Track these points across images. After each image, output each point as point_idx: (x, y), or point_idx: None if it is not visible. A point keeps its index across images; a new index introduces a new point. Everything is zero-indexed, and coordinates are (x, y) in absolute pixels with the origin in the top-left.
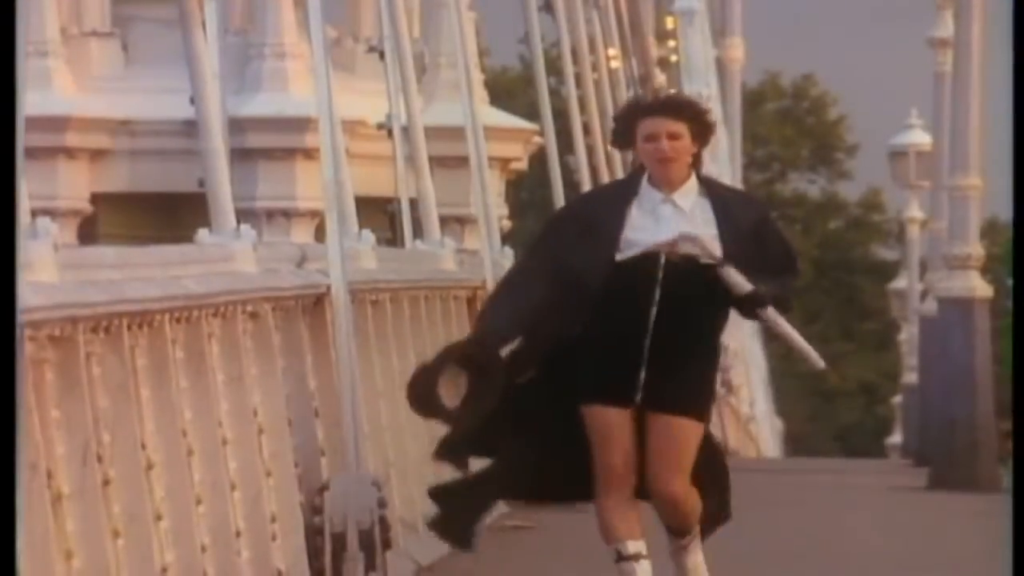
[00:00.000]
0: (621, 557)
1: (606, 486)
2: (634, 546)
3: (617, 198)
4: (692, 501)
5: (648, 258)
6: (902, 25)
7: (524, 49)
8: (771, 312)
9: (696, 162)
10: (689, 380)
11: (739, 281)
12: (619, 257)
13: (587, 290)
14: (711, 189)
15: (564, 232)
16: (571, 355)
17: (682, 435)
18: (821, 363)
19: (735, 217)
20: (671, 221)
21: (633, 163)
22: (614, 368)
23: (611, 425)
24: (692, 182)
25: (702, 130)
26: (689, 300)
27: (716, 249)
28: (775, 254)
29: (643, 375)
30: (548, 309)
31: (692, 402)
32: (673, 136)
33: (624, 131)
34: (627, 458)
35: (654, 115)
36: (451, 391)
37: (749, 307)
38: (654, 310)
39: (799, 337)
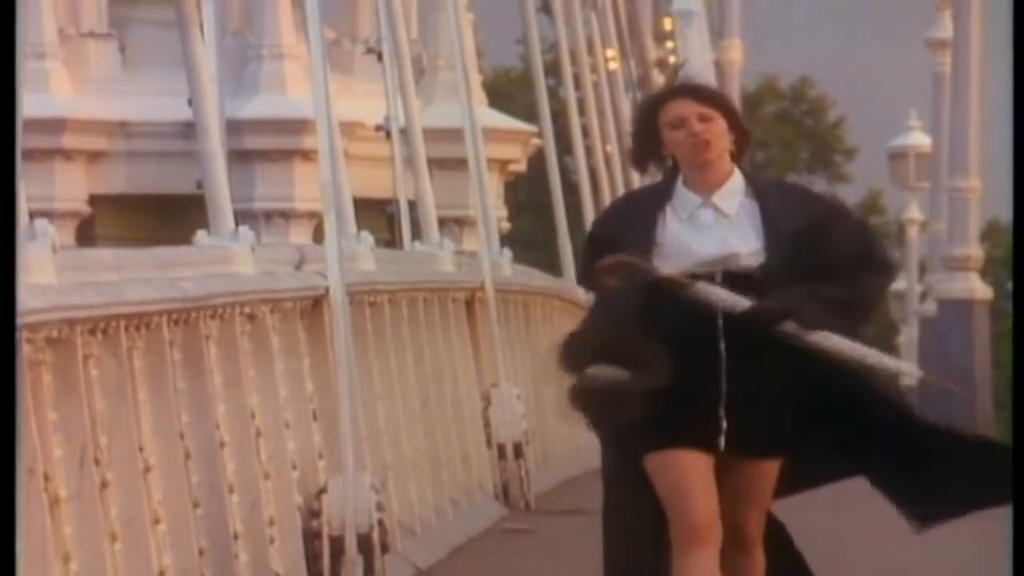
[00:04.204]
0: None
1: (688, 543)
2: None
3: (648, 206)
4: (761, 554)
5: (701, 279)
6: (901, 26)
7: (523, 50)
8: (794, 328)
9: (738, 158)
10: (778, 411)
11: (729, 301)
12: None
13: (627, 320)
14: (760, 189)
15: (598, 253)
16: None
17: (768, 476)
18: (915, 372)
19: (779, 222)
20: (714, 230)
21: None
22: (688, 408)
23: (691, 472)
24: (736, 181)
25: (737, 123)
26: None
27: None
28: (845, 253)
29: (724, 419)
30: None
31: (779, 440)
32: (704, 118)
33: (645, 133)
34: (712, 510)
35: (677, 98)
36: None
37: (761, 326)
38: (723, 343)
39: (866, 352)
